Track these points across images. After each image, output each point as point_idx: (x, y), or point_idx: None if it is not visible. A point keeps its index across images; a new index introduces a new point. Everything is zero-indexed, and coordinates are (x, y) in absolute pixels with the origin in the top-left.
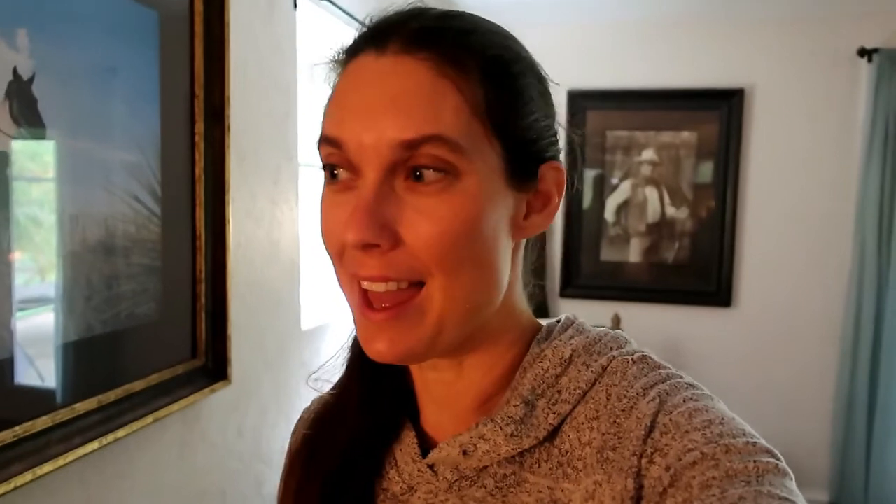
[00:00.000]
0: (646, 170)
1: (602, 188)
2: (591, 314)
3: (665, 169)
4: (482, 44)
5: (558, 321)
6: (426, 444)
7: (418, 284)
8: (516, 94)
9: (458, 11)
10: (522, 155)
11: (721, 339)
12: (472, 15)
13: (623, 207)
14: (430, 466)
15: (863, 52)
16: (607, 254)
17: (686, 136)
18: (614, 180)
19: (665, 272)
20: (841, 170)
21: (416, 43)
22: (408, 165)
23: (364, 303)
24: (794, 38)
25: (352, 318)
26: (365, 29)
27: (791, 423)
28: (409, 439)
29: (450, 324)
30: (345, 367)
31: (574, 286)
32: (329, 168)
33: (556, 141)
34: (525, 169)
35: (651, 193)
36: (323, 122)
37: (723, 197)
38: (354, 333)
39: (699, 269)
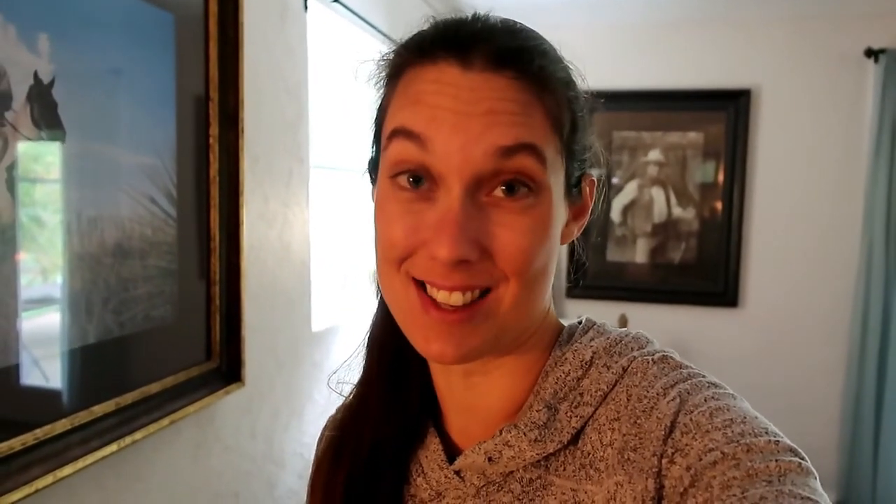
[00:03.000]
0: (652, 170)
1: (608, 189)
2: (597, 315)
3: (671, 169)
4: (555, 65)
5: (579, 322)
6: (451, 450)
7: (488, 289)
8: (578, 113)
9: (518, 23)
10: (576, 170)
11: (728, 339)
12: (530, 28)
13: (629, 208)
14: (457, 472)
15: (870, 53)
16: (613, 254)
17: (692, 136)
18: (620, 181)
19: (671, 273)
20: (848, 170)
21: (501, 61)
22: (496, 180)
23: (428, 303)
24: (800, 38)
25: (406, 321)
26: (434, 31)
27: (798, 422)
28: (434, 445)
29: (512, 327)
30: (363, 370)
31: (580, 287)
32: (406, 176)
33: (591, 154)
34: (575, 182)
35: (657, 194)
36: (394, 117)
37: (729, 197)
38: (371, 334)
39: (705, 270)
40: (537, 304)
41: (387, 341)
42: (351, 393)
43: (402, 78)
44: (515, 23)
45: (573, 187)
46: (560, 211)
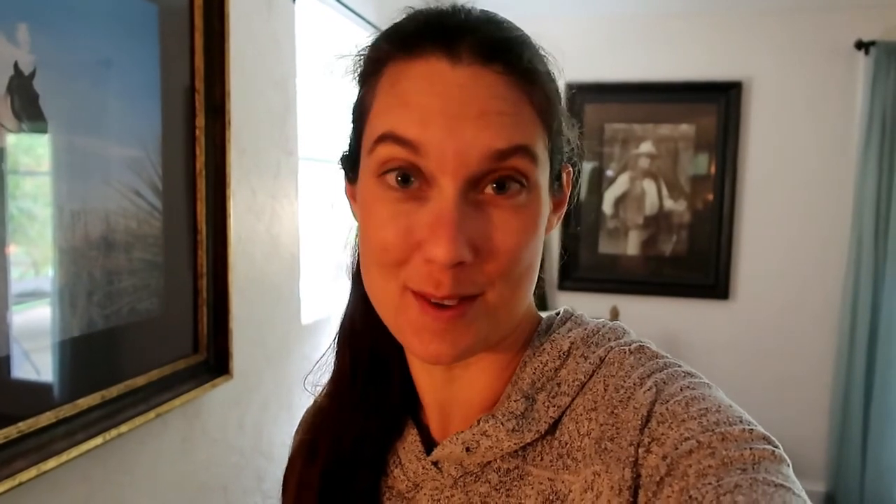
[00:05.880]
0: (643, 162)
1: (600, 181)
2: (589, 307)
3: (663, 162)
4: (537, 55)
5: (557, 314)
6: (429, 442)
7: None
8: (558, 103)
9: (497, 14)
10: (558, 161)
11: (718, 331)
12: (508, 19)
13: (621, 200)
14: (435, 463)
15: (860, 45)
16: (605, 246)
17: (684, 128)
18: (612, 173)
19: (663, 265)
20: (838, 162)
21: (489, 55)
22: (490, 178)
23: (426, 304)
24: (791, 30)
25: (398, 324)
26: (416, 24)
27: (788, 414)
28: (412, 437)
29: (503, 325)
30: (337, 368)
31: (572, 279)
32: (394, 175)
33: (573, 146)
34: (557, 174)
35: (649, 186)
36: (380, 119)
37: (720, 190)
38: (342, 333)
39: (697, 262)
40: (525, 300)
41: (363, 337)
42: (321, 393)
43: (386, 73)
44: (495, 14)
45: (556, 180)
46: (546, 206)
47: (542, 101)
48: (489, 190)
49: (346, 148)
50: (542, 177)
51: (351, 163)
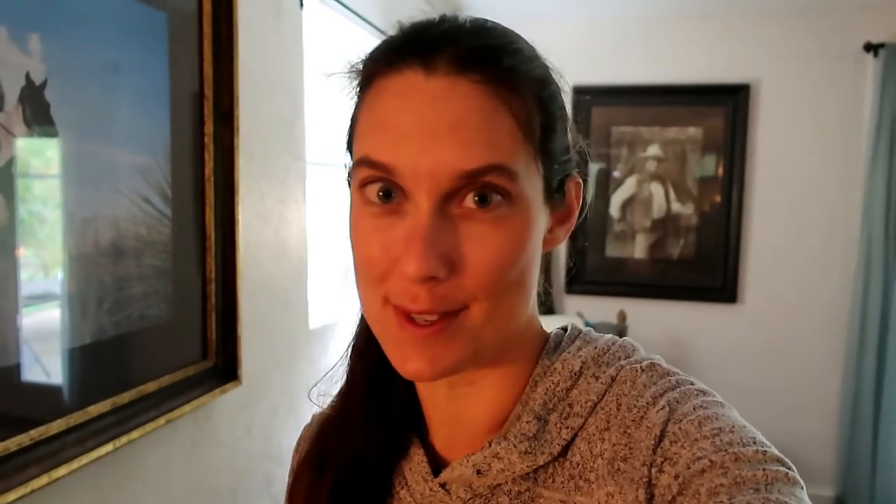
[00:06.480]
0: (651, 165)
1: (607, 184)
2: (596, 310)
3: (670, 165)
4: (528, 64)
5: (564, 329)
6: (435, 462)
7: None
8: (555, 113)
9: (489, 22)
10: (557, 173)
11: (726, 335)
12: (502, 26)
13: (628, 203)
14: (442, 485)
15: (869, 47)
16: (612, 250)
17: (691, 131)
18: (619, 176)
19: (670, 268)
20: (847, 165)
21: (466, 64)
22: (467, 191)
23: (404, 319)
24: (799, 33)
25: (383, 338)
26: (399, 37)
27: (797, 418)
28: (418, 457)
29: (488, 342)
30: (347, 381)
31: (579, 282)
32: (374, 189)
33: (576, 154)
34: (557, 186)
35: (656, 189)
36: (361, 142)
37: (728, 192)
38: (354, 344)
39: (704, 265)
40: (515, 315)
41: (369, 352)
42: (329, 404)
43: (371, 90)
44: (486, 21)
45: (555, 192)
46: (540, 219)
47: (524, 110)
48: (470, 203)
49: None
50: (529, 189)
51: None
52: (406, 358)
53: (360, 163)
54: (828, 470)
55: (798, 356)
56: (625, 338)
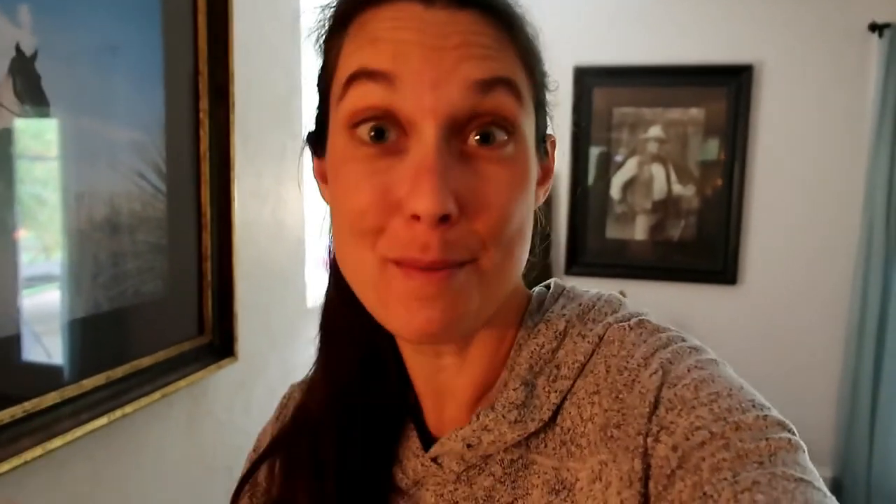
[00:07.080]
0: (652, 147)
1: (608, 166)
2: None
3: (672, 146)
4: (521, 10)
5: (547, 287)
6: (427, 436)
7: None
8: (540, 57)
9: None
10: (543, 125)
11: (726, 317)
12: None
13: (629, 185)
14: (434, 459)
15: (874, 27)
16: (613, 231)
17: (693, 113)
18: (620, 158)
19: (671, 250)
20: (850, 147)
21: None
22: (472, 125)
23: (412, 269)
24: (803, 13)
25: (381, 301)
26: None
27: (796, 399)
28: (409, 433)
29: (495, 295)
30: (323, 368)
31: (579, 264)
32: (367, 127)
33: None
34: (542, 138)
35: (657, 171)
36: (349, 61)
37: (730, 175)
38: (331, 329)
39: (705, 248)
40: (517, 269)
41: (354, 327)
42: (300, 388)
43: (352, 25)
44: None
45: (541, 143)
46: (534, 164)
47: (526, 44)
48: (473, 141)
49: (314, 124)
50: (528, 126)
51: (318, 135)
52: (413, 310)
53: (354, 77)
54: (826, 451)
55: (798, 338)
56: (611, 292)
